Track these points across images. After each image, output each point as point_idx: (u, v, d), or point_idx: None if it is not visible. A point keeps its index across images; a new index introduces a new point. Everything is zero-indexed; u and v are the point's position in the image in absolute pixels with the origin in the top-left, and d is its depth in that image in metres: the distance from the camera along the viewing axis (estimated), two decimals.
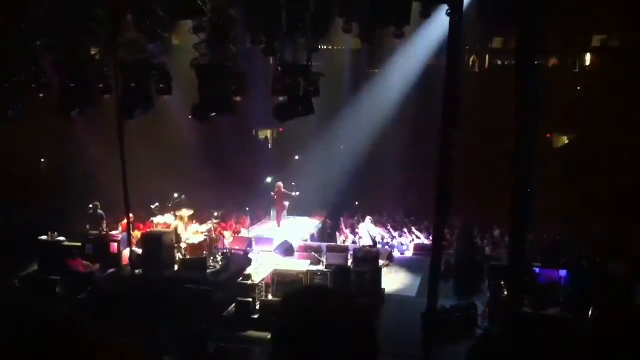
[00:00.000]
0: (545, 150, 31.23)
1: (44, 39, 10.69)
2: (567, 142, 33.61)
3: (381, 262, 17.06)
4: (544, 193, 25.25)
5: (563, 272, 15.42)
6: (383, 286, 16.75)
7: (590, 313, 13.72)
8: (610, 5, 27.67)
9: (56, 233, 18.24)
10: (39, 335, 3.02)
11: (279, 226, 22.51)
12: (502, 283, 14.68)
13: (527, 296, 14.71)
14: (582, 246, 18.79)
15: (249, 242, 18.54)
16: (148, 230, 18.20)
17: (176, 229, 17.37)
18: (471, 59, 37.74)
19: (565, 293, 15.18)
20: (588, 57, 35.57)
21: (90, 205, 20.03)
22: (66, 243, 17.71)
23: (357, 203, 25.32)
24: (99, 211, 19.57)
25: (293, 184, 24.04)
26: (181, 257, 16.75)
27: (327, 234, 22.51)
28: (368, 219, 20.41)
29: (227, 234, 20.04)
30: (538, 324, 14.02)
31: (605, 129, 31.31)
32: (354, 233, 21.92)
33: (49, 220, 21.73)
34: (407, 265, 19.34)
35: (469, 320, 14.86)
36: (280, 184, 23.42)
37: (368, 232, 19.62)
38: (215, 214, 21.20)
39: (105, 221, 19.56)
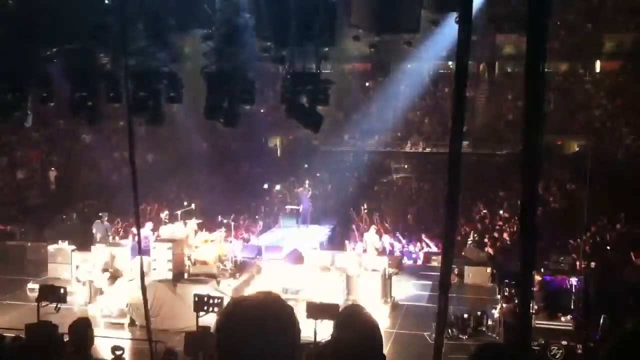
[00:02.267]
0: (557, 156, 31.11)
1: (54, 47, 10.76)
2: (577, 148, 33.48)
3: (390, 270, 16.98)
4: (555, 199, 25.21)
5: (574, 280, 15.33)
6: (393, 294, 16.70)
7: (601, 321, 13.63)
8: (622, 11, 27.58)
9: (67, 242, 18.37)
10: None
11: (307, 226, 23.11)
12: (513, 291, 14.60)
13: (538, 304, 14.64)
14: (594, 251, 18.64)
15: (258, 250, 18.51)
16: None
17: (187, 238, 17.37)
18: (481, 66, 37.68)
19: (576, 300, 15.09)
20: (598, 64, 35.44)
21: (100, 214, 20.14)
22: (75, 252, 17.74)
23: (365, 210, 25.25)
24: (106, 222, 19.75)
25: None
26: (191, 265, 16.73)
27: (336, 241, 22.45)
28: (372, 227, 20.25)
29: (237, 242, 20.01)
30: (549, 331, 13.95)
31: (616, 134, 31.19)
32: (362, 240, 21.83)
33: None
34: (417, 273, 19.27)
35: (480, 328, 14.80)
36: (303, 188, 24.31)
37: (372, 242, 19.41)
38: (225, 221, 21.22)
39: (110, 232, 19.79)
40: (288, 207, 23.68)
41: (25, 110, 11.52)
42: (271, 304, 2.15)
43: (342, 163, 32.14)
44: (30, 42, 10.62)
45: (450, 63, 33.07)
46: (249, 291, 15.32)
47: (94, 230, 19.66)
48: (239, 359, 2.08)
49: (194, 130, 28.13)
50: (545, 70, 3.53)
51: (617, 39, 35.10)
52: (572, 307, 15.04)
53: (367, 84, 37.16)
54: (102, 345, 12.00)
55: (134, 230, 18.96)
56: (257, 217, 22.04)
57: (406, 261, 20.58)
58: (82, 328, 6.15)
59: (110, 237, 19.52)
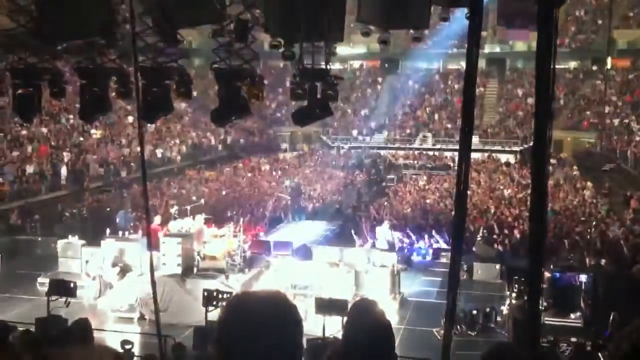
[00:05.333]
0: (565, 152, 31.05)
1: (64, 43, 10.78)
2: (587, 145, 33.36)
3: (399, 266, 16.98)
4: (564, 195, 25.12)
5: (583, 277, 15.27)
6: (402, 290, 16.69)
7: (611, 318, 13.58)
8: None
9: (76, 237, 18.43)
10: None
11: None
12: (522, 287, 14.57)
13: (547, 301, 14.60)
14: (602, 248, 18.57)
15: (267, 245, 18.52)
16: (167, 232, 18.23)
17: (196, 233, 17.40)
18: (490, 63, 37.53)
19: (585, 297, 15.03)
20: (609, 60, 35.28)
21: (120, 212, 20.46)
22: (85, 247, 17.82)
23: (372, 206, 25.26)
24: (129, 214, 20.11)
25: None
26: (200, 260, 16.77)
27: (344, 237, 22.45)
28: (385, 222, 20.38)
29: (246, 237, 20.03)
30: (558, 328, 13.91)
31: (626, 130, 31.03)
32: (372, 236, 21.84)
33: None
34: (426, 269, 19.25)
35: (489, 324, 14.78)
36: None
37: (385, 236, 19.54)
38: (233, 216, 21.22)
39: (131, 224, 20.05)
40: (279, 194, 23.88)
41: (39, 105, 11.62)
42: (274, 301, 2.13)
43: (351, 159, 32.14)
44: (42, 39, 10.66)
45: (459, 60, 33.00)
46: (257, 286, 15.40)
47: (117, 220, 19.92)
48: (238, 353, 2.06)
49: (203, 125, 28.20)
50: (555, 66, 3.52)
51: (628, 36, 34.93)
52: (581, 304, 14.99)
53: (376, 80, 37.12)
54: (111, 339, 12.09)
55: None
56: (266, 213, 22.04)
57: (415, 257, 20.57)
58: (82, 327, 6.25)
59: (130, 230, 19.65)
